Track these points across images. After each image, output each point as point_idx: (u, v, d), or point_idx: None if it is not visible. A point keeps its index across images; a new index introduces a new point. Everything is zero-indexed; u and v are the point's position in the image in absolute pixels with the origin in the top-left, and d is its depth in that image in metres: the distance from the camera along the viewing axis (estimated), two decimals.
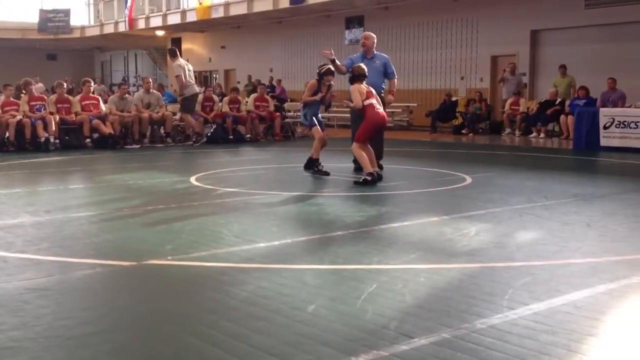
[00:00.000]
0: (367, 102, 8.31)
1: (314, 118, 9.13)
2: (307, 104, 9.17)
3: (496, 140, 15.85)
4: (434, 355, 2.89)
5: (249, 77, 24.46)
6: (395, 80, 9.92)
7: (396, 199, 7.55)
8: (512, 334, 3.15)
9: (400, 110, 19.89)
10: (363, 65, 8.67)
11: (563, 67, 16.16)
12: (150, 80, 15.11)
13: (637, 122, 12.15)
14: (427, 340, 3.06)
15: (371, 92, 8.45)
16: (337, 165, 9.80)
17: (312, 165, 9.08)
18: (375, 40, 9.98)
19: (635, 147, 12.04)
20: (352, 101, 8.42)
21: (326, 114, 19.15)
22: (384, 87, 9.67)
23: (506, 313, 3.43)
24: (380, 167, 10.03)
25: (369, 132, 8.41)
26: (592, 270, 4.30)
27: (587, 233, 5.44)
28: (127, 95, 14.49)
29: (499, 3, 18.17)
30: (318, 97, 9.10)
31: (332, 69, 9.10)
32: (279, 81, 23.18)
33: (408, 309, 3.53)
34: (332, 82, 9.28)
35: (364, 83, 8.47)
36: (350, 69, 8.84)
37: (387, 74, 9.73)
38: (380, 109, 8.43)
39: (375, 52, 9.89)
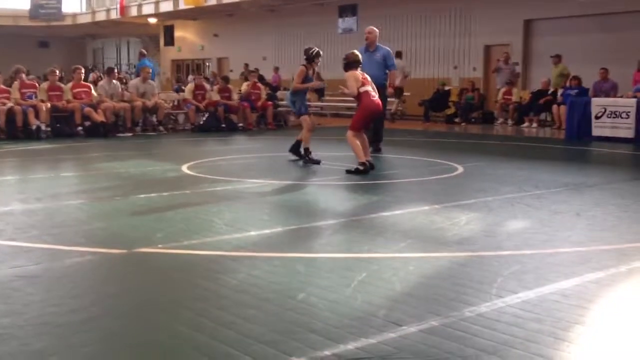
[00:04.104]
0: (362, 89, 8.28)
1: (303, 106, 9.13)
2: (296, 91, 9.18)
3: (488, 129, 15.88)
4: (422, 343, 2.91)
5: (246, 65, 24.33)
6: (395, 72, 10.39)
7: (387, 187, 7.57)
8: (500, 322, 3.17)
9: (393, 99, 19.86)
10: (357, 52, 8.67)
11: (556, 57, 16.15)
12: (150, 70, 15.02)
13: (629, 112, 12.19)
14: (415, 328, 3.08)
15: (366, 78, 8.41)
16: (329, 154, 9.80)
17: (297, 148, 9.12)
18: (378, 34, 10.41)
19: (627, 137, 12.09)
20: (347, 88, 8.40)
21: (319, 103, 19.17)
22: (385, 79, 10.07)
23: (495, 301, 3.46)
24: (379, 149, 10.23)
25: (364, 119, 8.39)
26: (580, 259, 4.33)
27: (577, 222, 5.47)
28: (114, 80, 14.39)
29: None
30: (311, 85, 9.12)
31: (321, 53, 9.15)
32: (276, 69, 23.09)
33: (397, 297, 3.54)
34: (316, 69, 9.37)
35: (359, 70, 8.44)
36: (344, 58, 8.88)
37: (387, 65, 10.08)
38: (375, 96, 8.40)
39: (378, 45, 10.33)
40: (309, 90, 9.50)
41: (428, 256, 4.41)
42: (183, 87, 17.16)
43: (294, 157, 9.25)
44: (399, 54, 18.15)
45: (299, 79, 9.11)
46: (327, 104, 19.99)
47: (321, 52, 9.18)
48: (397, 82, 17.38)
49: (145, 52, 19.10)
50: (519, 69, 17.86)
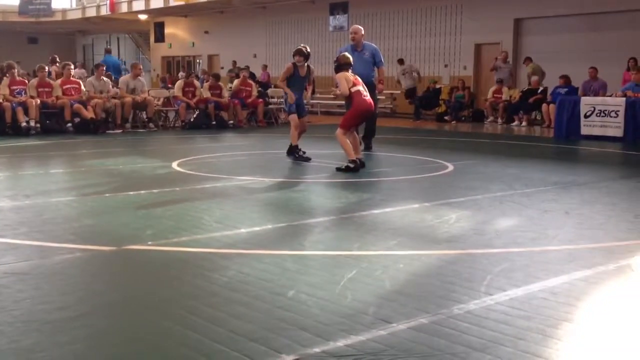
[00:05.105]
0: (354, 89, 8.33)
1: (293, 105, 9.11)
2: (286, 88, 9.13)
3: (478, 128, 15.93)
4: (412, 340, 2.92)
5: (234, 62, 24.30)
6: (383, 68, 10.46)
7: (378, 185, 7.58)
8: (489, 319, 3.19)
9: (384, 97, 19.91)
10: (347, 54, 8.71)
11: (527, 59, 16.86)
12: (142, 67, 14.96)
13: (617, 111, 12.26)
14: (405, 326, 3.09)
15: (357, 79, 8.48)
16: (320, 151, 9.81)
17: (293, 151, 9.10)
18: (364, 33, 10.44)
19: (615, 135, 12.16)
20: (339, 89, 8.44)
21: (310, 101, 19.16)
22: (374, 76, 10.16)
23: (484, 299, 3.47)
24: (370, 147, 10.31)
25: (355, 118, 8.44)
26: (569, 257, 4.36)
27: (565, 220, 5.50)
28: (103, 77, 14.32)
29: None
30: (292, 98, 9.00)
31: (305, 51, 9.08)
32: (265, 67, 23.08)
33: (387, 294, 3.55)
34: (312, 66, 9.32)
35: (350, 71, 8.49)
36: (335, 60, 8.88)
37: (375, 62, 10.13)
38: (367, 96, 8.45)
39: (364, 42, 10.35)
40: (305, 89, 9.42)
41: (418, 254, 4.42)
42: (170, 85, 17.11)
43: (301, 159, 9.10)
44: (401, 61, 19.17)
45: (283, 76, 9.14)
46: (318, 101, 19.99)
47: (304, 51, 9.05)
48: (409, 83, 18.79)
49: (110, 49, 19.27)
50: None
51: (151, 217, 5.50)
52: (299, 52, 9.04)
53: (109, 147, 11.19)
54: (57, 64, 16.22)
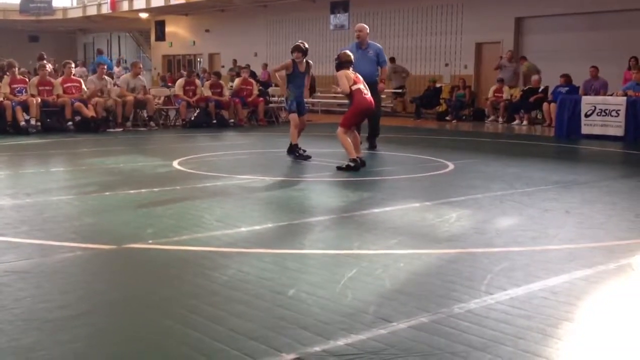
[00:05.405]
0: (354, 87, 8.33)
1: (293, 103, 9.10)
2: (288, 83, 9.12)
3: (479, 127, 15.93)
4: (412, 339, 2.92)
5: (234, 61, 24.29)
6: (386, 68, 10.54)
7: (378, 184, 7.58)
8: (489, 318, 3.19)
9: (384, 96, 19.90)
10: (349, 52, 8.71)
11: (522, 58, 17.03)
12: (141, 65, 14.95)
13: (618, 110, 12.25)
14: (405, 325, 3.09)
15: (358, 77, 8.48)
16: (320, 150, 9.81)
17: (293, 150, 9.10)
18: (368, 31, 10.51)
19: (616, 135, 12.15)
20: (339, 86, 8.45)
21: (310, 99, 19.16)
22: (377, 75, 10.24)
23: (484, 298, 3.47)
24: (375, 146, 10.35)
25: (355, 117, 8.44)
26: (569, 256, 4.35)
27: (566, 220, 5.50)
28: (105, 76, 14.32)
29: None
30: (285, 91, 9.10)
31: (303, 47, 9.08)
32: (265, 65, 23.07)
33: (387, 293, 3.55)
34: (310, 62, 9.30)
35: (351, 69, 8.49)
36: (336, 58, 8.89)
37: (379, 62, 10.28)
38: (367, 94, 8.45)
39: (368, 42, 10.42)
40: (304, 88, 9.40)
41: (418, 253, 4.42)
42: (170, 84, 17.11)
43: (301, 158, 9.07)
44: (392, 60, 19.13)
45: (279, 67, 9.20)
46: (319, 100, 19.97)
47: (302, 47, 9.04)
48: (397, 82, 19.28)
49: (102, 50, 19.41)
50: None
51: (152, 216, 5.50)
52: (297, 49, 9.05)
53: (109, 145, 11.19)
54: (45, 61, 16.15)
